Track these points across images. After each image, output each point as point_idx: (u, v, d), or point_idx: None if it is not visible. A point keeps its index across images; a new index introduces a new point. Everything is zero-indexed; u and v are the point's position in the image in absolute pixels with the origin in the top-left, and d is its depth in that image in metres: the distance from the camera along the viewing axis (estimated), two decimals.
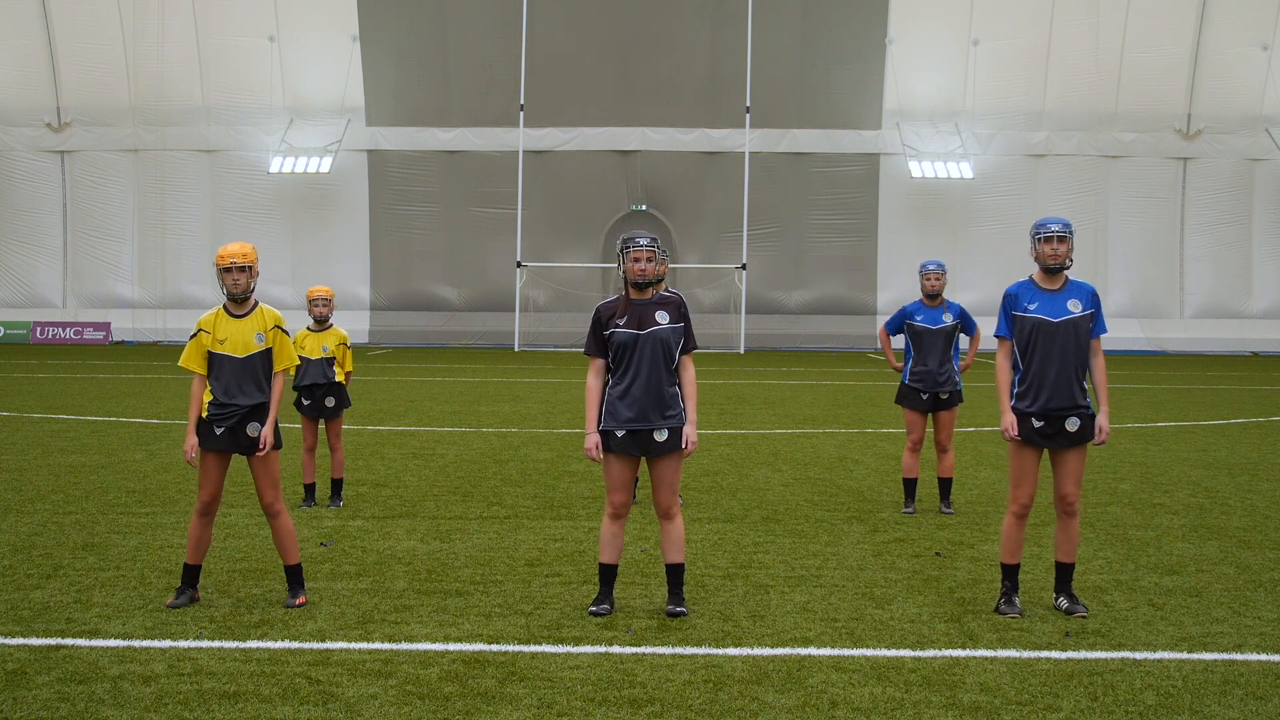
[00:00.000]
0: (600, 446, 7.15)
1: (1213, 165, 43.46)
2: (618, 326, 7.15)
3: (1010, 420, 7.26)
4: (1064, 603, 7.23)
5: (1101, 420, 7.27)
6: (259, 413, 7.21)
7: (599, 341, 7.21)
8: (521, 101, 41.21)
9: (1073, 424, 7.17)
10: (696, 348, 7.36)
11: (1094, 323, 7.26)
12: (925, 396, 10.59)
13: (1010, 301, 7.33)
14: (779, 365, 34.16)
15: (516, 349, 41.05)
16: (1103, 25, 41.81)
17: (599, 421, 7.18)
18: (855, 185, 43.51)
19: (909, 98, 42.67)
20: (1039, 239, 7.27)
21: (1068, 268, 7.28)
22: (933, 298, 10.68)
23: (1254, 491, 11.98)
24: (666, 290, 7.45)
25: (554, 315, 42.95)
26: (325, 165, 42.64)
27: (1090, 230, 43.34)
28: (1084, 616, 7.09)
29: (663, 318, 7.16)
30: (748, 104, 40.83)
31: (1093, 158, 43.35)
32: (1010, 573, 7.30)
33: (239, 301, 7.20)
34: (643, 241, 7.20)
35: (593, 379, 7.24)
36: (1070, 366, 7.18)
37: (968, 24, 42.04)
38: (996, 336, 7.42)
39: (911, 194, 42.94)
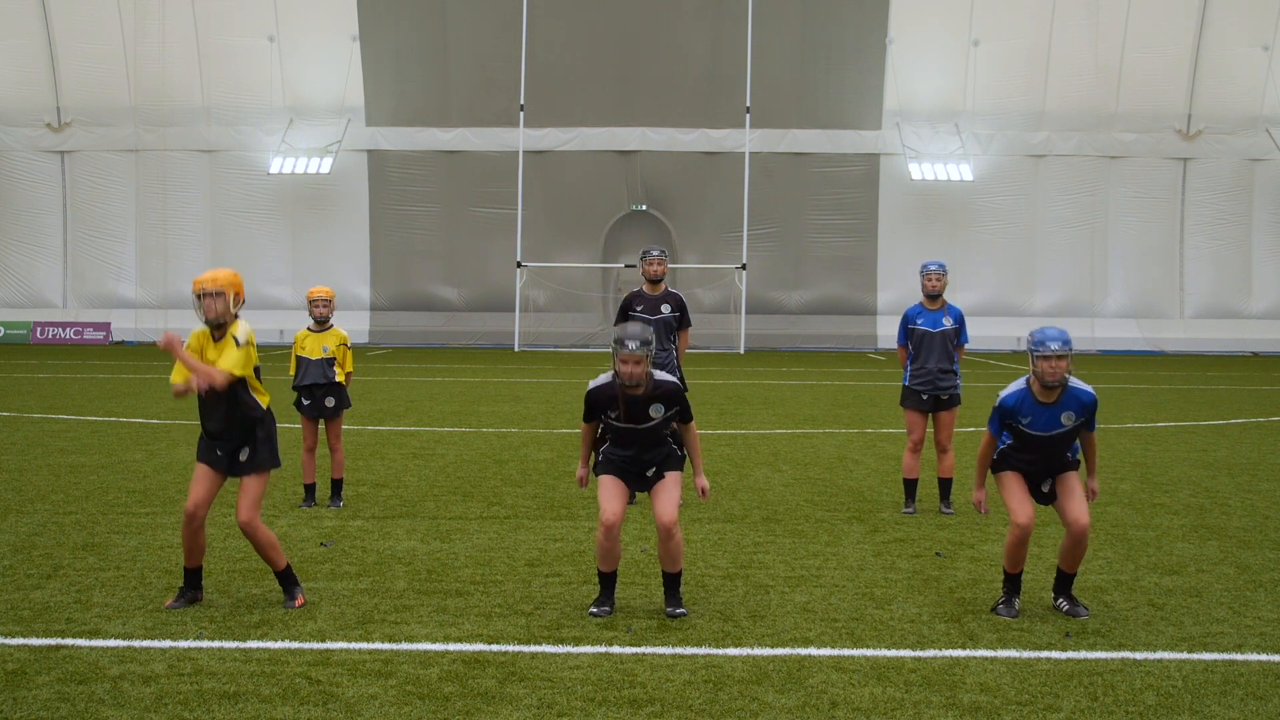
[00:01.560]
0: (585, 480, 7.53)
1: (1213, 165, 43.46)
2: (612, 419, 7.20)
3: (981, 496, 7.51)
4: (1064, 604, 7.24)
5: (1092, 484, 7.42)
6: (248, 437, 7.21)
7: (594, 415, 7.32)
8: (521, 101, 41.22)
9: (1046, 485, 7.32)
10: (692, 419, 7.41)
11: (1086, 426, 7.21)
12: (925, 398, 10.61)
13: (1006, 413, 7.16)
14: (779, 365, 34.15)
15: (516, 349, 41.05)
16: (1103, 25, 41.81)
17: (594, 459, 7.47)
18: (855, 185, 43.51)
19: (909, 98, 42.67)
20: (1038, 356, 6.98)
21: (1067, 382, 7.06)
22: (933, 298, 10.68)
23: (1254, 491, 11.98)
24: (657, 378, 7.21)
25: (554, 315, 42.96)
26: (325, 165, 42.64)
27: (1090, 230, 43.35)
28: (1084, 617, 7.09)
29: (657, 411, 7.18)
30: (748, 104, 40.83)
31: (1093, 158, 43.34)
32: (1012, 579, 7.32)
33: (215, 327, 7.16)
34: (632, 345, 6.98)
35: (586, 426, 7.45)
36: (1053, 459, 7.26)
37: (968, 24, 42.03)
38: (988, 428, 7.32)
39: (911, 194, 42.93)
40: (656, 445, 7.29)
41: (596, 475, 7.33)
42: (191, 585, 7.28)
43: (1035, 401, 7.08)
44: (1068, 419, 7.08)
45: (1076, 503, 7.19)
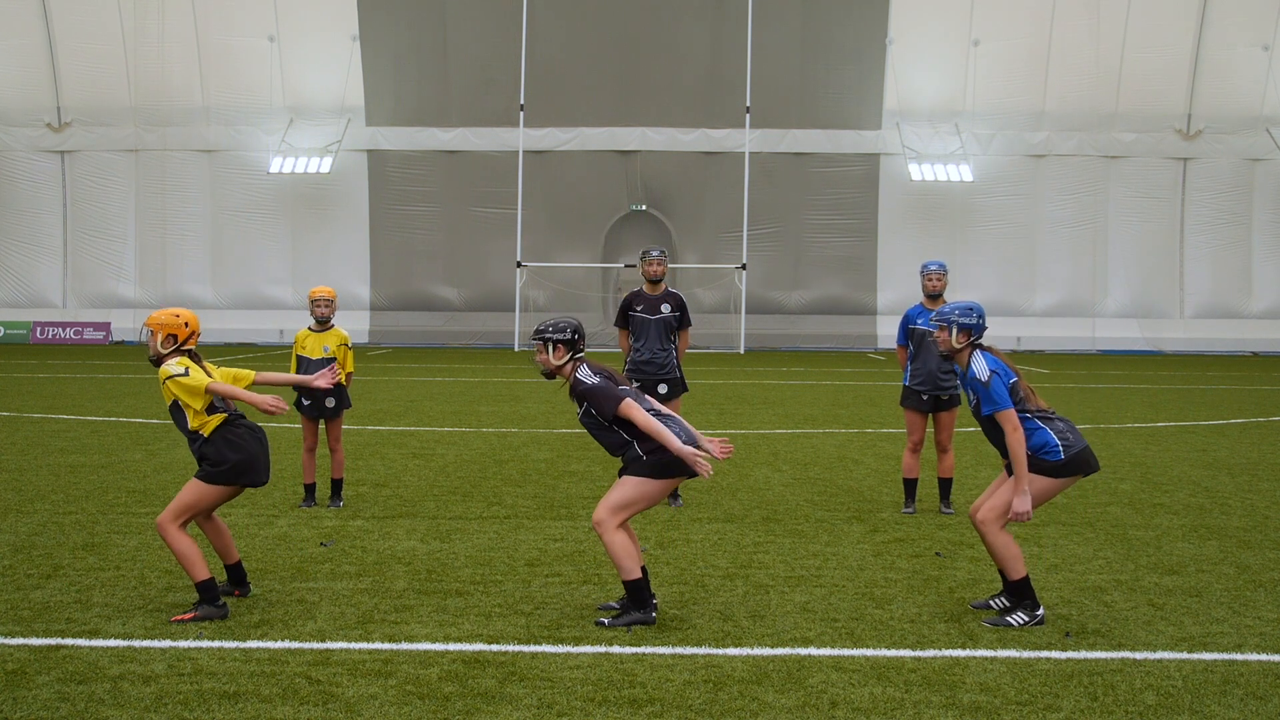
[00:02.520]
0: None
1: (1213, 165, 43.46)
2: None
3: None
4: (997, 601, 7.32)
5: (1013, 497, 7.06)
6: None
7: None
8: (521, 101, 41.22)
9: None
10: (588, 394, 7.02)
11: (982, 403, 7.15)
12: (926, 398, 10.60)
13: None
14: (779, 365, 34.15)
15: (516, 349, 41.05)
16: (1103, 25, 41.81)
17: None
18: (855, 185, 43.52)
19: (909, 98, 42.67)
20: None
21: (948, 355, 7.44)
22: (933, 298, 10.68)
23: (1254, 491, 11.98)
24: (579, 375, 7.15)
25: (554, 315, 42.94)
26: (325, 165, 42.65)
27: (1090, 230, 43.35)
28: (1009, 625, 6.95)
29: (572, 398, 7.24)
30: (748, 104, 40.83)
31: (1093, 158, 43.35)
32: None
33: (153, 363, 7.56)
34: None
35: None
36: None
37: (968, 24, 42.04)
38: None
39: (911, 194, 42.94)
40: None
41: None
42: (233, 581, 7.43)
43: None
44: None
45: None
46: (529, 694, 5.68)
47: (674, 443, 6.76)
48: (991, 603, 7.31)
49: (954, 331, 7.31)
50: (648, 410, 6.97)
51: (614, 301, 41.95)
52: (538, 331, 7.12)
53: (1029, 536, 9.24)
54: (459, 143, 43.46)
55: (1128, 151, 43.30)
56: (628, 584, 6.88)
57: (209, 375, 7.21)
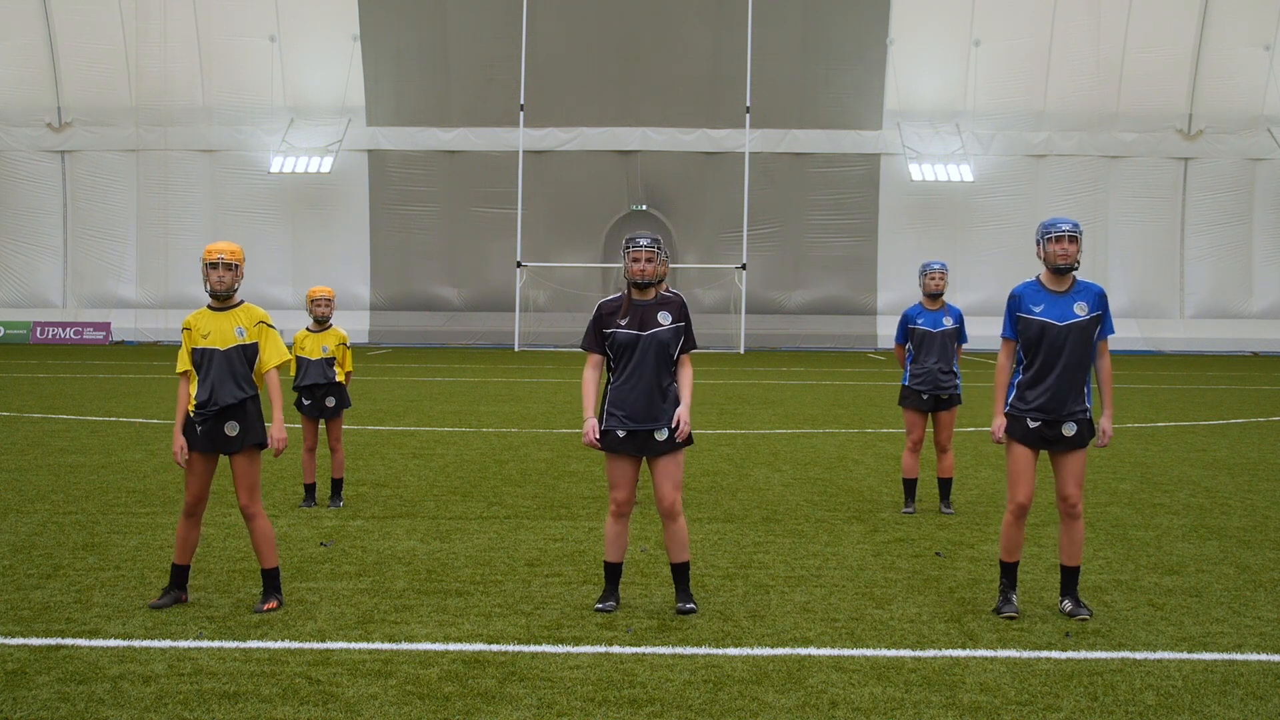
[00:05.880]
0: (597, 432, 7.14)
1: (1213, 165, 43.48)
2: (619, 326, 7.14)
3: (1001, 423, 7.23)
4: (1068, 605, 7.18)
5: (1104, 423, 7.25)
6: (238, 411, 7.06)
7: (598, 339, 7.21)
8: (521, 101, 41.23)
9: (1069, 429, 7.11)
10: (696, 348, 7.36)
11: (1101, 324, 7.16)
12: (925, 397, 10.60)
13: (1016, 303, 7.17)
14: (779, 365, 34.15)
15: (516, 349, 41.05)
16: (1104, 25, 41.84)
17: (601, 418, 7.20)
18: (855, 185, 43.54)
19: (909, 98, 42.69)
20: (1048, 239, 7.10)
21: (1075, 268, 7.13)
22: (934, 298, 10.68)
23: (1254, 491, 11.98)
24: (668, 290, 7.42)
25: (554, 315, 42.99)
26: (326, 165, 42.67)
27: (1090, 230, 43.31)
28: (1085, 619, 7.06)
29: (664, 318, 7.15)
30: (748, 104, 40.84)
31: (1093, 158, 43.37)
32: (1008, 571, 7.27)
33: (221, 299, 7.16)
34: (643, 241, 7.19)
35: (589, 371, 7.29)
36: (1070, 383, 7.06)
37: (969, 24, 42.06)
38: (1002, 336, 7.30)
39: (912, 194, 42.96)
40: (661, 385, 7.11)
41: (602, 448, 7.18)
42: (177, 584, 7.25)
43: (1046, 290, 7.15)
44: (1081, 309, 7.07)
45: (1072, 483, 7.13)
46: (529, 694, 5.68)
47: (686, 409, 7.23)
48: (1080, 612, 7.11)
49: (1080, 245, 7.15)
50: None
51: None
52: (655, 239, 7.23)
53: (1029, 537, 9.23)
54: (459, 143, 43.48)
55: (1128, 151, 43.32)
56: (686, 564, 7.24)
57: None
